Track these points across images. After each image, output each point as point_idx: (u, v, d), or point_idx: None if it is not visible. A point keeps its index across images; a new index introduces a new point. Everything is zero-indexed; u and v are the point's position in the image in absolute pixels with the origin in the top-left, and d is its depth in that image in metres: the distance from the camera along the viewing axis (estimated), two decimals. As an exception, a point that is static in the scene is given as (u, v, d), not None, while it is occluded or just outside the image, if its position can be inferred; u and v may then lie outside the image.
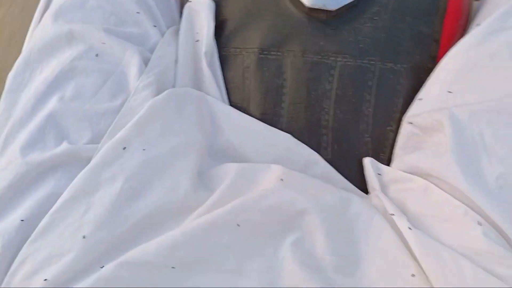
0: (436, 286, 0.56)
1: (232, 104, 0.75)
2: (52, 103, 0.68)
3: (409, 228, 0.60)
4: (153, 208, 0.61)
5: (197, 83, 0.74)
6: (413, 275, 0.59)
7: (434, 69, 0.71)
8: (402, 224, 0.61)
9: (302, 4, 0.73)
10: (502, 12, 0.69)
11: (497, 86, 0.65)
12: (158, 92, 0.69)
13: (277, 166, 0.67)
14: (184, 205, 0.63)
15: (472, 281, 0.55)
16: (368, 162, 0.70)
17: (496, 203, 0.59)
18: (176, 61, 0.75)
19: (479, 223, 0.59)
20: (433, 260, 0.57)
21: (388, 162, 0.71)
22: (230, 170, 0.67)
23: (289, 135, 0.71)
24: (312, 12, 0.73)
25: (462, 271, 0.56)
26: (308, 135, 0.72)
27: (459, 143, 0.62)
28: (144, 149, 0.64)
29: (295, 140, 0.71)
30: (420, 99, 0.69)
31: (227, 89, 0.75)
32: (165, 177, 0.63)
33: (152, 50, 0.75)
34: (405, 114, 0.70)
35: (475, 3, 0.80)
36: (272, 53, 0.73)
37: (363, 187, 0.71)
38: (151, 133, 0.65)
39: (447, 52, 0.70)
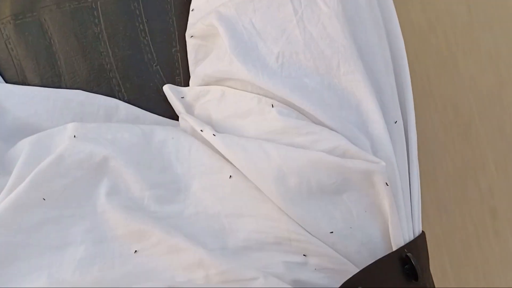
0: (250, 176, 0.57)
1: (8, 81, 0.69)
2: None
3: (214, 135, 0.60)
4: None
5: None
6: (230, 176, 0.59)
7: None
8: (207, 134, 0.61)
9: None
10: None
11: None
12: None
13: (71, 124, 0.63)
14: None
15: (278, 159, 0.56)
16: (168, 89, 0.68)
17: (281, 81, 0.60)
18: None
19: (273, 106, 0.60)
20: (241, 154, 0.58)
21: (186, 84, 0.70)
22: (24, 145, 0.62)
23: (78, 91, 0.68)
24: None
25: (267, 154, 0.57)
26: (97, 84, 0.68)
27: (234, 38, 0.62)
28: None
29: (86, 93, 0.68)
30: (193, 10, 0.68)
31: None
32: None
33: None
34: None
35: None
36: (27, 15, 0.68)
37: (173, 115, 0.69)
38: None
39: None
